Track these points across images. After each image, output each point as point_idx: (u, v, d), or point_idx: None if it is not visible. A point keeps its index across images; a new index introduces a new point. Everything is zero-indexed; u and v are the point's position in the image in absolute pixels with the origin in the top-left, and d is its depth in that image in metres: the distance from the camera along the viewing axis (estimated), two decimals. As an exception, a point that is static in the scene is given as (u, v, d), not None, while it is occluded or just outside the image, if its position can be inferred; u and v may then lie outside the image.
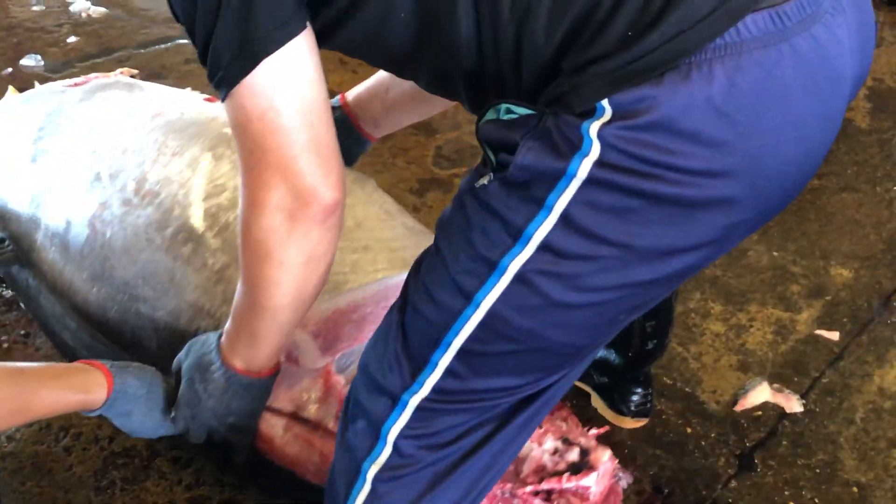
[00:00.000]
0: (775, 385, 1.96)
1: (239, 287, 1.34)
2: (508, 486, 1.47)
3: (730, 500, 1.73)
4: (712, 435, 1.85)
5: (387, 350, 1.19)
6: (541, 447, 1.50)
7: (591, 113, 1.00)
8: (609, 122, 0.99)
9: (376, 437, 1.20)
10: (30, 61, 3.00)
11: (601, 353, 1.83)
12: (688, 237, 1.05)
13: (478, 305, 1.09)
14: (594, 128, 0.99)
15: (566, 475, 1.46)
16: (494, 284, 1.07)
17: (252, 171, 1.19)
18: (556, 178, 1.01)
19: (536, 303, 1.07)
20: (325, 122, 1.18)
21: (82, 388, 1.37)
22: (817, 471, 1.79)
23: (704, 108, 0.97)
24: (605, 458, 1.49)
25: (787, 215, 2.44)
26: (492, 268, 1.06)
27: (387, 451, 1.20)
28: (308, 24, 1.13)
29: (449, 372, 1.14)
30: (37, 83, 2.19)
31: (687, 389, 1.95)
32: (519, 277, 1.06)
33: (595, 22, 1.00)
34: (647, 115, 0.97)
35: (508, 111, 1.06)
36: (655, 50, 0.97)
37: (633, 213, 1.01)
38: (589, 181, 1.00)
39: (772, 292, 2.21)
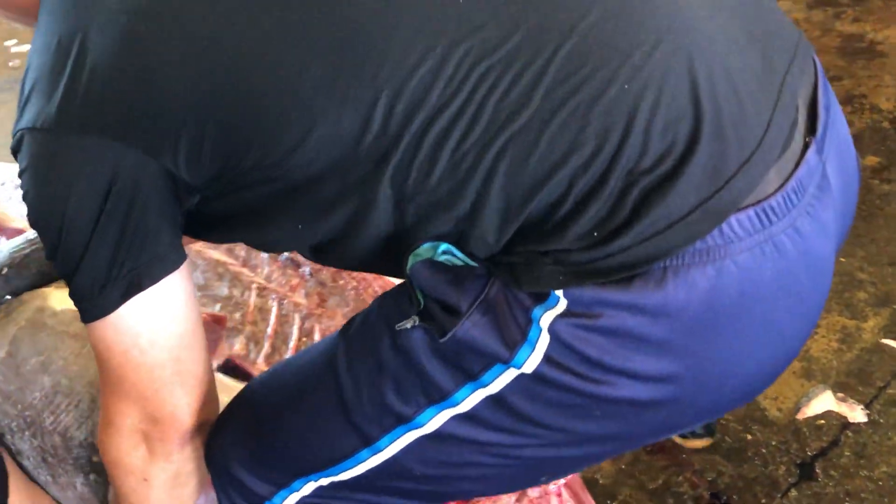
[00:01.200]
0: (839, 394, 1.92)
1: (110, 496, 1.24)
2: None
3: (789, 510, 1.71)
4: (773, 442, 1.82)
5: (253, 450, 1.10)
6: None
7: (543, 298, 0.89)
8: (563, 314, 0.88)
9: None
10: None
11: None
12: (632, 429, 0.96)
13: (378, 451, 1.00)
14: (546, 318, 0.89)
15: None
16: (400, 436, 0.98)
17: (110, 396, 1.07)
18: (495, 361, 0.92)
19: (447, 460, 1.00)
20: (195, 352, 1.05)
21: None
22: (880, 483, 1.74)
23: (677, 318, 0.87)
24: None
25: (856, 221, 2.38)
26: (400, 421, 0.97)
27: None
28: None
29: (328, 487, 1.07)
30: None
31: (748, 395, 1.92)
32: (432, 436, 0.97)
33: (553, 222, 0.88)
34: (610, 319, 0.87)
35: (447, 252, 0.93)
36: (625, 251, 0.86)
37: (576, 408, 0.92)
38: (533, 376, 0.90)
39: (838, 299, 2.17)
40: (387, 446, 0.99)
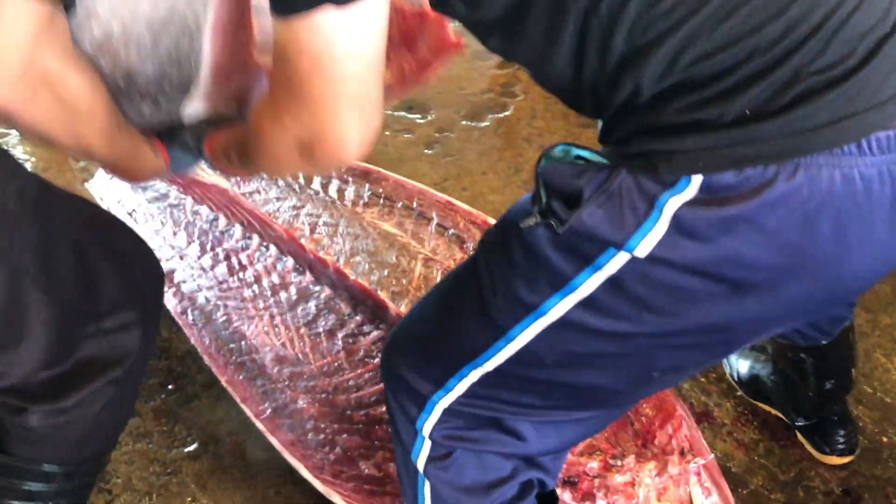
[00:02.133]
0: (981, 405, 1.92)
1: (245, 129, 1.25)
2: None
3: (921, 513, 1.73)
4: (909, 447, 1.84)
5: (417, 351, 1.24)
6: None
7: (672, 184, 0.95)
8: (691, 202, 0.95)
9: (414, 433, 1.27)
10: None
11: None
12: (732, 317, 1.03)
13: (511, 339, 1.11)
14: (672, 203, 0.95)
15: None
16: (531, 325, 1.08)
17: (287, 97, 1.06)
18: (608, 245, 0.99)
19: (571, 348, 1.09)
20: (377, 74, 1.04)
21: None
22: None
23: (794, 211, 0.94)
24: None
25: None
26: (529, 311, 1.07)
27: (427, 445, 1.26)
28: None
29: (476, 384, 1.18)
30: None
31: (887, 400, 1.94)
32: (557, 324, 1.06)
33: (714, 90, 0.94)
34: (734, 208, 0.94)
35: (578, 158, 1.02)
36: (769, 141, 0.93)
37: (684, 291, 1.00)
38: (647, 260, 0.98)
39: None
40: (518, 335, 1.09)
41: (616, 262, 0.99)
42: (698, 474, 1.49)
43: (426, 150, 2.64)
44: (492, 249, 1.13)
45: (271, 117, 1.10)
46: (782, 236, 0.96)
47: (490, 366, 1.15)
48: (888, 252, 1.04)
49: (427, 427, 1.25)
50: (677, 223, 0.95)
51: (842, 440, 1.79)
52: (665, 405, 1.58)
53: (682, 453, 1.52)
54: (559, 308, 1.05)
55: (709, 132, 0.94)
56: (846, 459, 1.82)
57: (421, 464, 1.28)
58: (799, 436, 1.86)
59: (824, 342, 1.69)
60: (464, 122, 2.77)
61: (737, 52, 0.93)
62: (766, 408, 1.89)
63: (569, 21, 0.98)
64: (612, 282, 1.01)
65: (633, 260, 0.98)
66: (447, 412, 1.23)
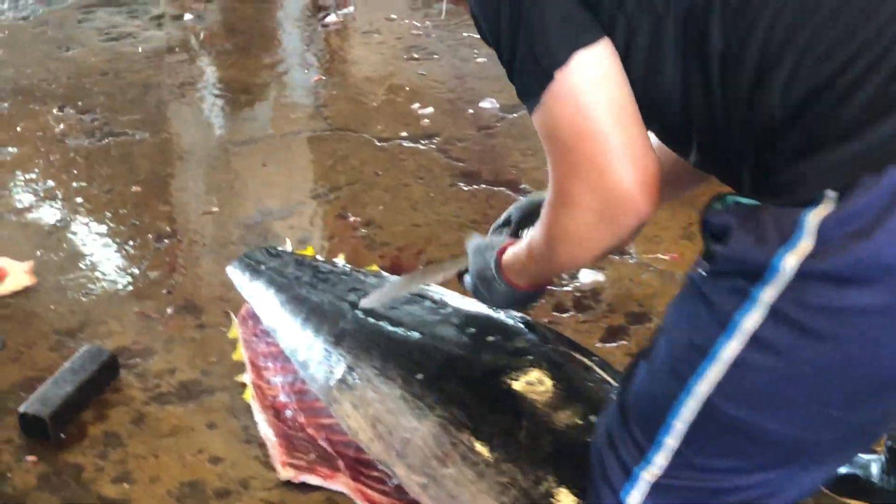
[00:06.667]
0: None
1: (535, 237, 1.33)
2: None
3: None
4: None
5: (623, 419, 1.22)
6: None
7: (811, 201, 0.98)
8: (831, 214, 0.97)
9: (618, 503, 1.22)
10: (487, 104, 3.51)
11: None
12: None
13: (690, 392, 1.09)
14: (813, 217, 0.97)
15: None
16: (706, 371, 1.07)
17: (564, 178, 1.16)
18: (760, 270, 1.00)
19: (746, 391, 1.07)
20: (637, 122, 1.12)
21: None
22: None
23: None
24: None
25: None
26: (703, 355, 1.07)
27: None
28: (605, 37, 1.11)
29: (676, 451, 1.15)
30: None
31: None
32: (731, 367, 1.06)
33: (833, 96, 0.98)
34: (871, 210, 0.95)
35: (736, 203, 1.07)
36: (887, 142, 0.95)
37: (842, 308, 0.98)
38: (799, 276, 0.98)
39: None
40: (696, 384, 1.09)
41: (771, 292, 1.01)
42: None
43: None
44: (673, 307, 1.17)
45: (560, 205, 1.19)
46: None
47: (680, 424, 1.13)
48: None
49: (634, 499, 1.21)
50: (821, 236, 0.97)
51: None
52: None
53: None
54: (729, 350, 1.05)
55: (834, 144, 0.98)
56: None
57: None
58: None
59: None
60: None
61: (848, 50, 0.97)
62: None
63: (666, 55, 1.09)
64: (773, 313, 1.01)
65: (786, 286, 1.00)
66: (654, 488, 1.19)
